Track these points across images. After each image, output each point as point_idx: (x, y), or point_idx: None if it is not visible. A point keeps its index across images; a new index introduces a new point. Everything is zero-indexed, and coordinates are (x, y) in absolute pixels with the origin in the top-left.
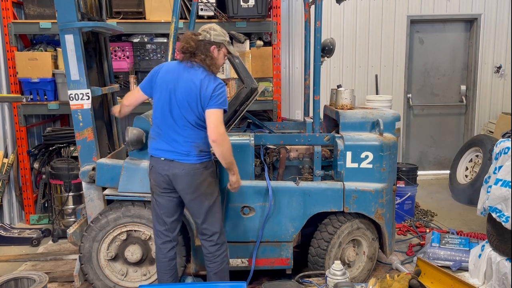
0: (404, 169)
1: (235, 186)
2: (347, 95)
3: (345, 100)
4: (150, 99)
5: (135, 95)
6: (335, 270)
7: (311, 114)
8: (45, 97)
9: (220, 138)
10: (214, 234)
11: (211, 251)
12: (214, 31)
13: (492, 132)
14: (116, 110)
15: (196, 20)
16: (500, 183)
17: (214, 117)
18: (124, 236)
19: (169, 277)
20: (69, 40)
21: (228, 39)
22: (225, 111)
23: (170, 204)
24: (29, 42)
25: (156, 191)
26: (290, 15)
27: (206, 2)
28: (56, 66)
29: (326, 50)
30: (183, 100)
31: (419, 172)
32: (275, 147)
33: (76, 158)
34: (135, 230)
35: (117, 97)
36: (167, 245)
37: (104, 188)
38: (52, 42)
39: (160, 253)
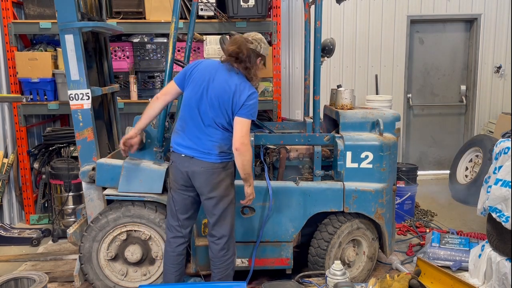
0: (404, 169)
1: (250, 198)
2: (347, 95)
3: (345, 100)
4: (149, 99)
5: (168, 88)
6: (335, 270)
7: (311, 114)
8: (45, 97)
9: (243, 148)
10: (223, 237)
11: (217, 255)
12: (264, 44)
13: (492, 132)
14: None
15: (196, 20)
16: (500, 183)
17: (241, 126)
18: (124, 236)
19: (175, 271)
20: (69, 40)
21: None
22: (253, 122)
23: (185, 201)
24: (29, 42)
25: (173, 186)
26: (290, 15)
27: (206, 2)
28: (56, 66)
29: (326, 50)
30: (214, 99)
31: (419, 172)
32: (275, 147)
33: (76, 158)
34: (135, 230)
35: (117, 97)
36: (177, 240)
37: (104, 188)
38: (52, 42)
39: (169, 246)
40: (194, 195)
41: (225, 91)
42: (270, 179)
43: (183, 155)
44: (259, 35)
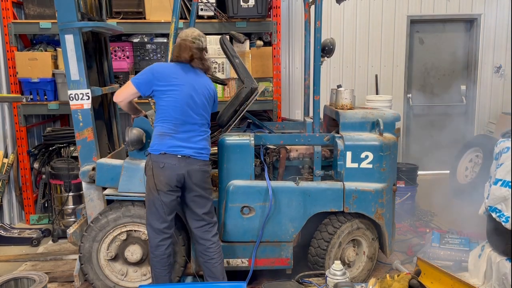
0: (404, 169)
1: None
2: (347, 95)
3: (345, 100)
4: (149, 99)
5: (129, 93)
6: (335, 270)
7: (311, 114)
8: (45, 97)
9: None
10: (216, 223)
11: (213, 240)
12: (203, 37)
13: (492, 132)
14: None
15: (196, 20)
16: (500, 183)
17: None
18: (124, 236)
19: (167, 273)
20: (69, 40)
21: None
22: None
23: (173, 202)
24: (29, 42)
25: (162, 189)
26: (290, 15)
27: (206, 2)
28: (56, 66)
29: (326, 50)
30: (203, 100)
31: (419, 172)
32: (275, 147)
33: (76, 158)
34: (135, 230)
35: None
36: (166, 241)
37: (104, 188)
38: (52, 42)
39: (158, 250)
40: (180, 194)
41: (208, 91)
42: (270, 179)
43: (179, 156)
44: (196, 32)
